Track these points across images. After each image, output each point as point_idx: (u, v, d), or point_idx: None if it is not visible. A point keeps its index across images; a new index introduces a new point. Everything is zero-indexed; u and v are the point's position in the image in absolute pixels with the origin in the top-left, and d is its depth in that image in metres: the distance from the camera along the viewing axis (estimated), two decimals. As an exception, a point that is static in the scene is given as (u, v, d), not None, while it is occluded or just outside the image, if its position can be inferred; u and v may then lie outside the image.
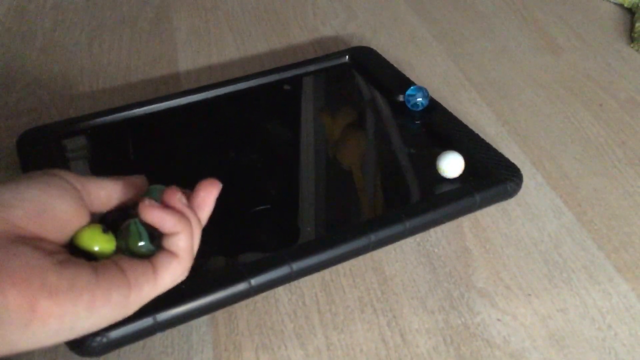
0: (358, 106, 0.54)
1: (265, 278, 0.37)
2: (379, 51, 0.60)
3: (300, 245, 0.39)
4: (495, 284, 0.39)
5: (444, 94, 0.56)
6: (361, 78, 0.56)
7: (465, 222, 0.44)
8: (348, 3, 0.72)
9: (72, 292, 0.27)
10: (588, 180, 0.47)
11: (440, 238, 0.42)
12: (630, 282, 0.39)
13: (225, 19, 0.69)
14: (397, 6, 0.71)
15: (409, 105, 0.51)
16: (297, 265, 0.37)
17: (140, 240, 0.31)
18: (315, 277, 0.40)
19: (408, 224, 0.40)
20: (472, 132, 0.48)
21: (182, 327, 0.37)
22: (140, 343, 0.36)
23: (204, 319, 0.37)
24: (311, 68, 0.57)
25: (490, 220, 0.44)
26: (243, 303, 0.38)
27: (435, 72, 0.59)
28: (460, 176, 0.44)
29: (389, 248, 0.42)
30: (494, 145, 0.48)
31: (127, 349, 0.36)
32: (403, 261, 0.41)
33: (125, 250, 0.31)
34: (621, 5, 0.69)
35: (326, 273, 0.40)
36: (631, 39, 0.63)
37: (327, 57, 0.58)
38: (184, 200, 0.32)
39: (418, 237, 0.42)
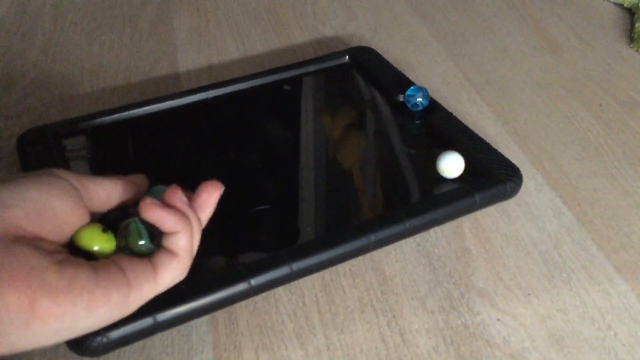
0: (358, 106, 0.54)
1: (265, 278, 0.37)
2: (379, 51, 0.60)
3: (300, 246, 0.39)
4: (495, 284, 0.39)
5: (443, 94, 0.56)
6: (361, 78, 0.56)
7: (465, 222, 0.44)
8: (348, 3, 0.72)
9: (71, 292, 0.27)
10: (588, 181, 0.47)
11: (440, 238, 0.43)
12: (629, 282, 0.39)
13: (225, 19, 0.69)
14: (397, 6, 0.71)
15: (408, 106, 0.51)
16: (297, 266, 0.37)
17: (140, 239, 0.31)
18: (315, 277, 0.40)
19: (408, 224, 0.40)
20: (471, 132, 0.48)
21: (182, 327, 0.37)
22: (140, 343, 0.36)
23: (204, 319, 0.37)
24: (311, 68, 0.57)
25: (490, 220, 0.44)
26: (243, 303, 0.38)
27: (435, 72, 0.59)
28: (460, 176, 0.44)
29: (389, 248, 0.42)
30: (494, 146, 0.48)
31: (127, 349, 0.36)
32: (403, 261, 0.41)
33: (125, 249, 0.31)
34: (621, 6, 0.69)
35: (326, 273, 0.40)
36: (631, 39, 0.63)
37: (327, 57, 0.58)
38: (184, 199, 0.32)
39: (418, 237, 0.42)
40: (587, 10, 0.69)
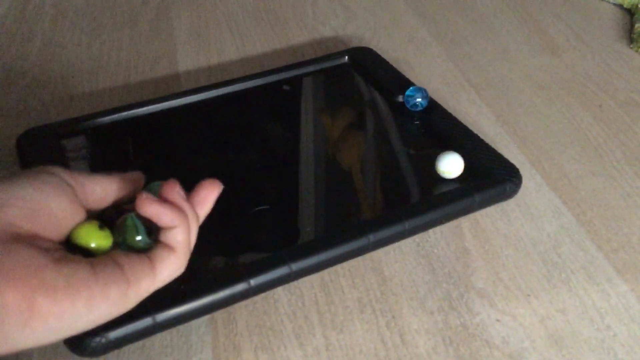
0: (357, 107, 0.54)
1: (265, 278, 0.37)
2: (379, 52, 0.60)
3: (299, 246, 0.39)
4: (494, 284, 0.39)
5: (443, 95, 0.56)
6: (360, 78, 0.57)
7: (465, 222, 0.44)
8: (347, 4, 0.72)
9: (69, 289, 0.27)
10: (587, 181, 0.47)
11: (440, 238, 0.43)
12: (629, 283, 0.39)
13: (225, 20, 0.69)
14: (396, 7, 0.71)
15: (408, 106, 0.51)
16: (296, 266, 0.37)
17: (138, 234, 0.31)
18: (315, 278, 0.40)
19: (407, 224, 0.40)
20: (471, 132, 0.48)
21: (181, 328, 0.37)
22: (140, 343, 0.36)
23: (203, 319, 0.37)
24: (311, 68, 0.57)
25: (489, 220, 0.44)
26: (242, 303, 0.38)
27: (434, 73, 0.59)
28: (460, 177, 0.44)
29: (388, 248, 0.42)
30: (493, 146, 0.48)
31: (126, 349, 0.36)
32: (402, 262, 0.41)
33: (123, 245, 0.31)
34: (620, 6, 0.69)
35: (325, 273, 0.40)
36: (630, 40, 0.63)
37: (327, 57, 0.58)
38: (182, 193, 0.32)
39: (417, 238, 0.42)
40: (587, 10, 0.69)
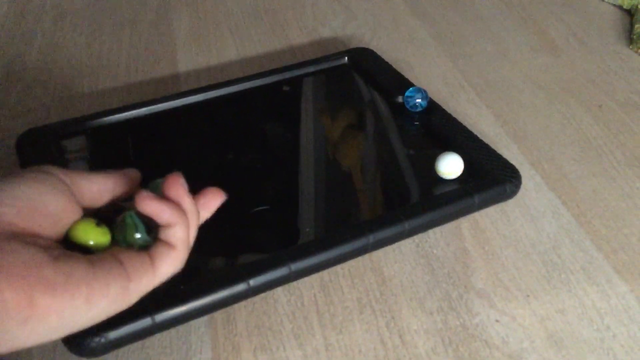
0: (357, 107, 0.54)
1: (264, 279, 0.37)
2: (378, 52, 0.60)
3: (299, 246, 0.39)
4: (494, 284, 0.39)
5: (443, 95, 0.56)
6: (360, 79, 0.57)
7: (464, 223, 0.44)
8: (347, 4, 0.72)
9: (69, 286, 0.27)
10: (587, 182, 0.47)
11: (439, 239, 0.43)
12: (628, 283, 0.39)
13: (225, 20, 0.69)
14: (396, 7, 0.71)
15: (408, 107, 0.51)
16: (295, 266, 0.37)
17: (137, 232, 0.31)
18: (314, 278, 0.40)
19: (407, 224, 0.40)
20: (471, 133, 0.48)
21: (180, 328, 0.37)
22: (139, 343, 0.36)
23: (203, 319, 0.37)
24: (310, 69, 0.57)
25: (489, 221, 0.44)
26: (242, 304, 0.38)
27: (434, 74, 0.59)
28: (459, 177, 0.44)
29: (388, 249, 0.42)
30: (493, 147, 0.48)
31: (125, 349, 0.36)
32: (402, 262, 0.41)
33: (122, 243, 0.31)
34: (620, 7, 0.69)
35: (325, 274, 0.40)
36: (630, 41, 0.63)
37: (326, 58, 0.58)
38: (185, 186, 0.32)
39: (417, 238, 0.42)
40: (587, 11, 0.69)
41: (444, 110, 0.51)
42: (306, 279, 0.40)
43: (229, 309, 0.38)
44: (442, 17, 0.69)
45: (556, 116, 0.54)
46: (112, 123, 0.51)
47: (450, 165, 0.44)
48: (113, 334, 0.33)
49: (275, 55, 0.63)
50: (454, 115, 0.52)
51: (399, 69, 0.58)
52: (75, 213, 0.31)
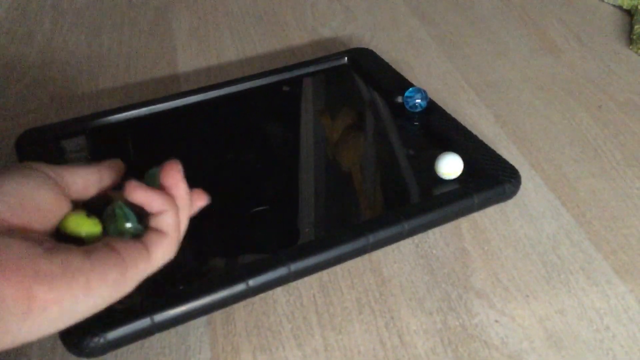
0: (357, 107, 0.54)
1: (263, 279, 0.37)
2: (378, 52, 0.60)
3: (298, 246, 0.39)
4: (493, 285, 0.39)
5: (442, 96, 0.56)
6: (360, 79, 0.57)
7: (464, 223, 0.44)
8: (347, 4, 0.72)
9: (65, 277, 0.27)
10: (586, 182, 0.47)
11: (439, 239, 0.43)
12: (628, 284, 0.39)
13: (225, 20, 0.69)
14: (396, 8, 0.71)
15: (407, 107, 0.51)
16: (295, 266, 0.37)
17: (128, 221, 0.31)
18: (314, 278, 0.40)
19: (406, 225, 0.40)
20: (470, 133, 0.48)
21: (180, 328, 0.37)
22: (138, 344, 0.36)
23: (202, 319, 0.37)
24: (310, 69, 0.57)
25: (488, 221, 0.44)
26: (241, 304, 0.38)
27: (434, 74, 0.59)
28: (459, 177, 0.44)
29: (387, 249, 0.42)
30: (493, 147, 0.48)
31: (124, 349, 0.36)
32: (401, 262, 0.41)
33: (113, 233, 0.32)
34: (620, 7, 0.69)
35: (324, 274, 0.40)
36: (630, 41, 0.63)
37: (326, 58, 0.58)
38: (182, 172, 0.32)
39: (416, 239, 0.42)
40: (586, 12, 0.69)
41: (443, 111, 0.51)
42: (305, 279, 0.40)
43: (228, 309, 0.38)
44: (442, 18, 0.69)
45: (556, 116, 0.54)
46: (112, 123, 0.51)
47: (450, 166, 0.44)
48: (112, 334, 0.33)
49: (275, 55, 0.63)
50: (454, 115, 0.52)
51: (398, 69, 0.58)
52: (64, 206, 0.31)
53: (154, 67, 0.61)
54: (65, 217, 0.31)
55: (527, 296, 0.39)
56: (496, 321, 0.37)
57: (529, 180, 0.47)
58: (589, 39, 0.64)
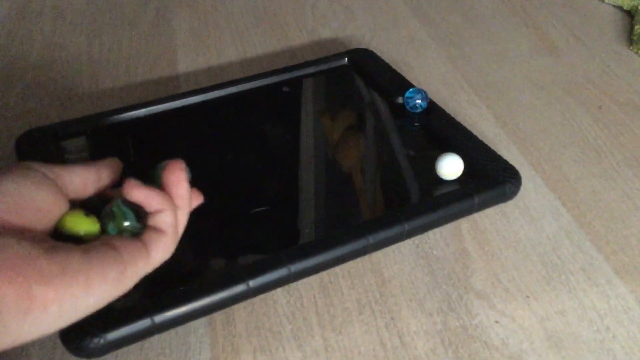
0: (357, 108, 0.54)
1: (263, 280, 0.37)
2: (378, 53, 0.60)
3: (298, 247, 0.39)
4: (493, 285, 0.39)
5: (442, 96, 0.56)
6: (360, 80, 0.57)
7: (464, 224, 0.44)
8: (347, 5, 0.72)
9: (65, 276, 0.27)
10: (587, 182, 0.47)
11: (439, 240, 0.42)
12: (628, 284, 0.39)
13: (225, 21, 0.69)
14: (396, 8, 0.71)
15: (408, 107, 0.51)
16: (295, 267, 0.37)
17: (126, 220, 0.31)
18: (314, 279, 0.40)
19: (407, 225, 0.40)
20: (470, 134, 0.48)
21: (180, 329, 0.37)
22: (138, 344, 0.36)
23: (202, 320, 0.37)
24: (310, 70, 0.57)
25: (488, 222, 0.44)
26: (241, 305, 0.38)
27: (434, 74, 0.59)
28: (459, 178, 0.44)
29: (388, 250, 0.42)
30: (493, 147, 0.48)
31: (125, 350, 0.36)
32: (401, 263, 0.41)
33: (112, 232, 0.32)
34: (620, 8, 0.69)
35: (324, 275, 0.40)
36: (630, 42, 0.63)
37: (326, 59, 0.58)
38: (185, 171, 0.33)
39: (416, 239, 0.42)
40: (587, 12, 0.69)
41: (443, 111, 0.51)
42: (306, 280, 0.40)
43: (228, 310, 0.38)
44: (442, 18, 0.69)
45: (556, 117, 0.54)
46: (112, 124, 0.51)
47: (450, 166, 0.44)
48: (112, 335, 0.33)
49: (275, 56, 0.63)
50: (454, 116, 0.52)
51: (399, 70, 0.58)
52: (62, 205, 0.31)
53: (154, 68, 0.61)
54: (63, 216, 0.31)
55: (528, 297, 0.39)
56: (496, 322, 0.37)
57: (529, 180, 0.47)
58: (589, 40, 0.64)
